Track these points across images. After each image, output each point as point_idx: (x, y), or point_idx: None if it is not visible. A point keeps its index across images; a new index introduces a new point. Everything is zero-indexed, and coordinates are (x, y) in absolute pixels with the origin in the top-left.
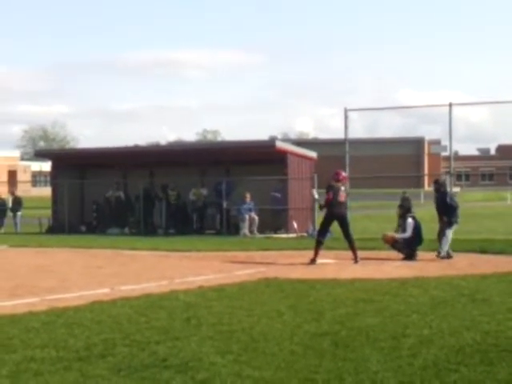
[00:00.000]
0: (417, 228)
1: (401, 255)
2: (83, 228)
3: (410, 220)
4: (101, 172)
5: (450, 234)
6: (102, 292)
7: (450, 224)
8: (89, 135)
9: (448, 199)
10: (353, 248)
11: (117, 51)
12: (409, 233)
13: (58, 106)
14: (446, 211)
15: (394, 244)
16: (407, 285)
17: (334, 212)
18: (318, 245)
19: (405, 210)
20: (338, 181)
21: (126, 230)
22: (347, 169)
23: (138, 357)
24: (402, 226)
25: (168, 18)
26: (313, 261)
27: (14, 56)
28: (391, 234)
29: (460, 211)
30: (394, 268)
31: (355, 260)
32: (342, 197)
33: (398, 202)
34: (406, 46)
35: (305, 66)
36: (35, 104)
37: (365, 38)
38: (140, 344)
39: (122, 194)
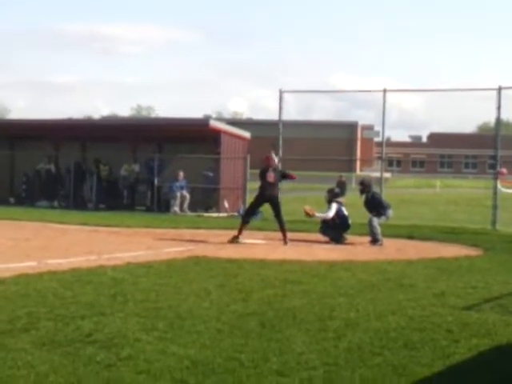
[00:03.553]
0: (343, 214)
1: (326, 238)
2: (12, 200)
3: (333, 204)
4: (32, 144)
5: (376, 223)
6: (29, 265)
7: (378, 214)
8: (21, 106)
9: (377, 199)
10: (283, 229)
11: (53, 22)
12: (329, 215)
13: None
14: (376, 207)
15: (320, 228)
16: (335, 268)
17: (265, 194)
18: (244, 224)
19: (332, 195)
20: (268, 165)
21: (56, 203)
22: (280, 150)
23: (62, 331)
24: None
25: None
26: (235, 238)
27: None
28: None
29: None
30: (323, 250)
31: (284, 241)
32: (270, 177)
33: (330, 185)
34: (341, 30)
35: (241, 46)
36: None
37: (301, 20)
38: (65, 318)
39: (52, 167)
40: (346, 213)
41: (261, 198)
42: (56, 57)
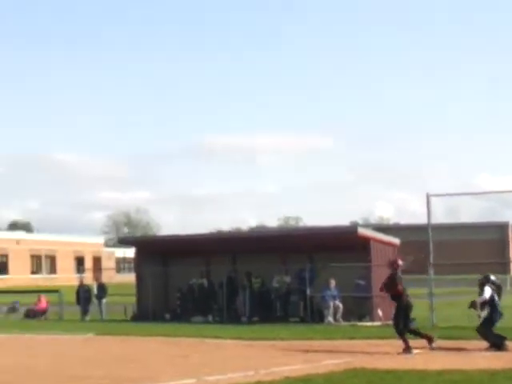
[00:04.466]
0: (494, 300)
1: (486, 343)
2: (167, 316)
3: (487, 286)
4: (184, 259)
5: None
6: (189, 382)
7: None
8: (170, 221)
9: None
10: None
11: (193, 137)
12: (485, 296)
13: (139, 193)
14: None
15: (480, 331)
16: (498, 376)
17: (409, 301)
18: (403, 334)
19: (484, 280)
20: (395, 269)
21: (210, 317)
22: (431, 255)
23: None
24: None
25: (242, 104)
26: (407, 350)
27: (95, 146)
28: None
29: None
30: (483, 359)
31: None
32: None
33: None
34: (480, 133)
35: (380, 151)
36: (117, 191)
37: (440, 124)
38: None
39: (205, 282)
40: (497, 301)
41: (408, 305)
42: (199, 171)
